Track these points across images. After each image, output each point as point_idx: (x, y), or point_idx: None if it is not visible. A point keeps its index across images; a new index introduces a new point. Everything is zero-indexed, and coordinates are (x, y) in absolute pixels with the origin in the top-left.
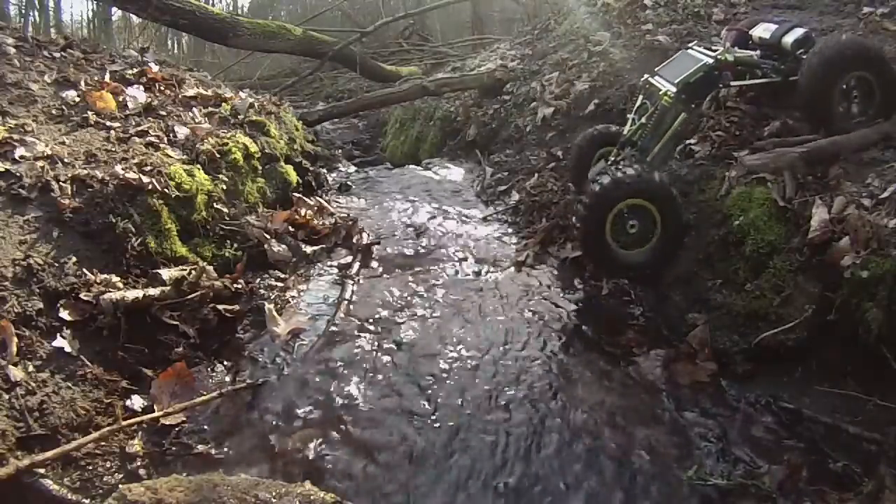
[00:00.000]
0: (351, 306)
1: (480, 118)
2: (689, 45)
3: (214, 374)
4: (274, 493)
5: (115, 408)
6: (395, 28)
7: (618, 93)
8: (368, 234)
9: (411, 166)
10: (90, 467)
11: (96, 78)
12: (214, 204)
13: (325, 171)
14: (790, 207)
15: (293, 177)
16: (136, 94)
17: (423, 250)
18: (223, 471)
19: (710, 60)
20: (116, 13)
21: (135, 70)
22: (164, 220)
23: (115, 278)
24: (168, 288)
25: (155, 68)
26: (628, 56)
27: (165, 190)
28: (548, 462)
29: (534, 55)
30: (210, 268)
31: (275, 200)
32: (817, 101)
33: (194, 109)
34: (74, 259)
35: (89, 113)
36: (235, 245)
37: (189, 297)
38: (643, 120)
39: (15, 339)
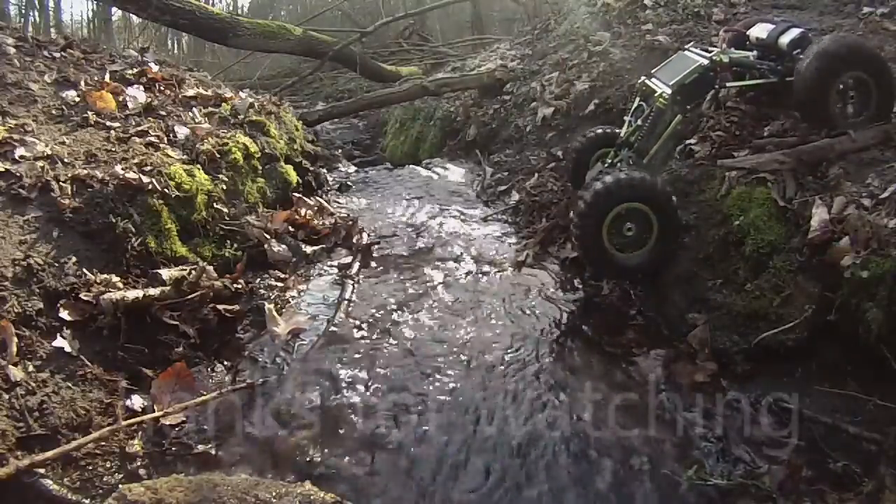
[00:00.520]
0: (351, 306)
1: (480, 118)
2: (687, 45)
3: (214, 374)
4: (274, 493)
5: (115, 408)
6: (395, 28)
7: (618, 93)
8: (368, 234)
9: (411, 166)
10: (90, 467)
11: (96, 78)
12: (214, 204)
13: (324, 170)
14: (790, 207)
15: (293, 177)
16: (136, 94)
17: (423, 250)
18: (223, 471)
19: (706, 62)
20: (116, 13)
21: (135, 70)
22: (164, 220)
23: (115, 278)
24: (168, 288)
25: (155, 68)
26: (628, 56)
27: (165, 190)
28: (547, 462)
29: (534, 55)
30: (210, 268)
31: (275, 200)
32: (814, 102)
33: (194, 109)
34: (74, 259)
35: (89, 113)
36: (235, 245)
37: (189, 297)
38: (639, 122)
39: (15, 339)
